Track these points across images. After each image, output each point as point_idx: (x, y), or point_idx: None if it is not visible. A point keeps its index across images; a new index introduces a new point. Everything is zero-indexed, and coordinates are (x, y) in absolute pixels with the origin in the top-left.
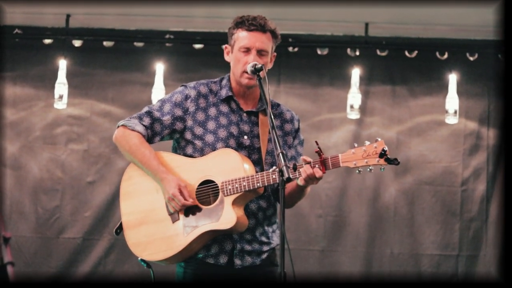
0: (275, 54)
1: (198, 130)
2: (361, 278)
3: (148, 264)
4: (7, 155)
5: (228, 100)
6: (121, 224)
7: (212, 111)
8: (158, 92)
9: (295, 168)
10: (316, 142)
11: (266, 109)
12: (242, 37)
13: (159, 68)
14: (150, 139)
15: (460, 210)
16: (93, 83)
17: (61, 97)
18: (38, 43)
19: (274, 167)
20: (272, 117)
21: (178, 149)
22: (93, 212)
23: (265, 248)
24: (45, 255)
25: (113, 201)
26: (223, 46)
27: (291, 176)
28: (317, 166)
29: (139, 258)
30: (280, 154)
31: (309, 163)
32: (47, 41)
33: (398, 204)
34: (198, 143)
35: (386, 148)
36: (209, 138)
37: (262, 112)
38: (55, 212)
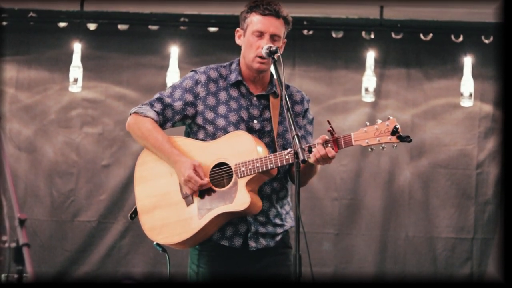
0: (285, 40)
1: (209, 115)
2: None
3: (163, 248)
4: (22, 138)
5: (237, 84)
6: (135, 209)
7: (223, 95)
8: (172, 75)
9: (310, 151)
10: (328, 121)
11: (276, 91)
12: (256, 21)
13: (174, 51)
14: (161, 125)
15: (475, 193)
16: (108, 66)
17: (76, 80)
18: (52, 27)
19: (289, 149)
20: (287, 100)
21: (190, 135)
22: (108, 195)
23: (279, 230)
24: (60, 238)
25: (128, 184)
26: (235, 30)
27: (306, 158)
28: (329, 145)
29: (154, 243)
30: (295, 136)
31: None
32: (62, 24)
33: (413, 187)
34: (210, 127)
35: (398, 126)
36: (221, 122)
37: (272, 95)
38: (70, 196)
